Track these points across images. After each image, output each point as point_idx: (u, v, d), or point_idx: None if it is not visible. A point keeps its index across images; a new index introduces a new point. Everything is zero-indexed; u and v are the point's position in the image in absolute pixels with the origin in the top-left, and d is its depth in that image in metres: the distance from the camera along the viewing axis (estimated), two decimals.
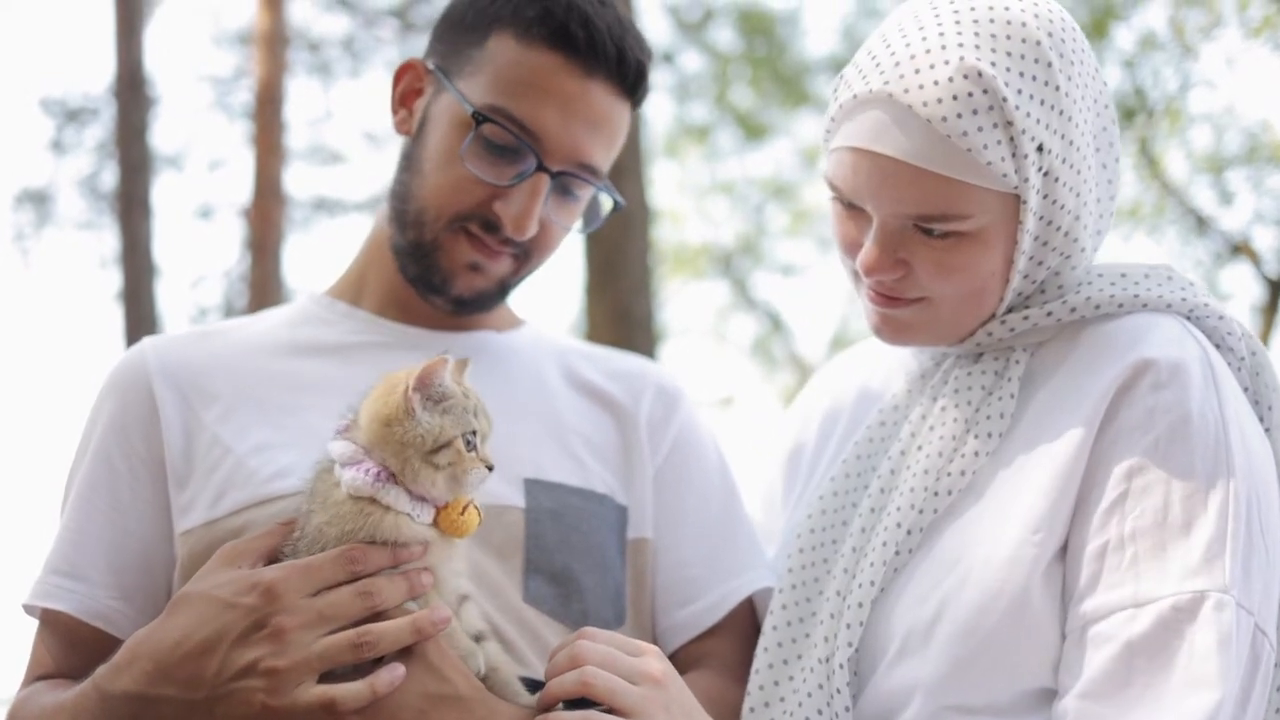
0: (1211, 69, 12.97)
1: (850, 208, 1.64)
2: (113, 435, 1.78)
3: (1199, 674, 1.42)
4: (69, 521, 1.77)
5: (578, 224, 1.93)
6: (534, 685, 1.50)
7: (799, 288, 27.77)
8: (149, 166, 12.02)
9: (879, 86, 1.56)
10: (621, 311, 7.97)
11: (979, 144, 1.52)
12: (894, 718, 1.57)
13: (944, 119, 1.52)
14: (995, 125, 1.52)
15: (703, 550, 1.87)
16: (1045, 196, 1.58)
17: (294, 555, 1.49)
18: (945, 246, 1.59)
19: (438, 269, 1.84)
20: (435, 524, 1.49)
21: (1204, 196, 13.09)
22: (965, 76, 1.52)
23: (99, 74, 18.80)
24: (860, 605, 1.61)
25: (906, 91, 1.54)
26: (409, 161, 1.87)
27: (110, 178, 13.62)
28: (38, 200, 14.45)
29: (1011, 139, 1.53)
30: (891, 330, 1.69)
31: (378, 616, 1.44)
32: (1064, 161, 1.58)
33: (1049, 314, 1.65)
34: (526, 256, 1.86)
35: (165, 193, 17.71)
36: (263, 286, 10.84)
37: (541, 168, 1.78)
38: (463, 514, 1.49)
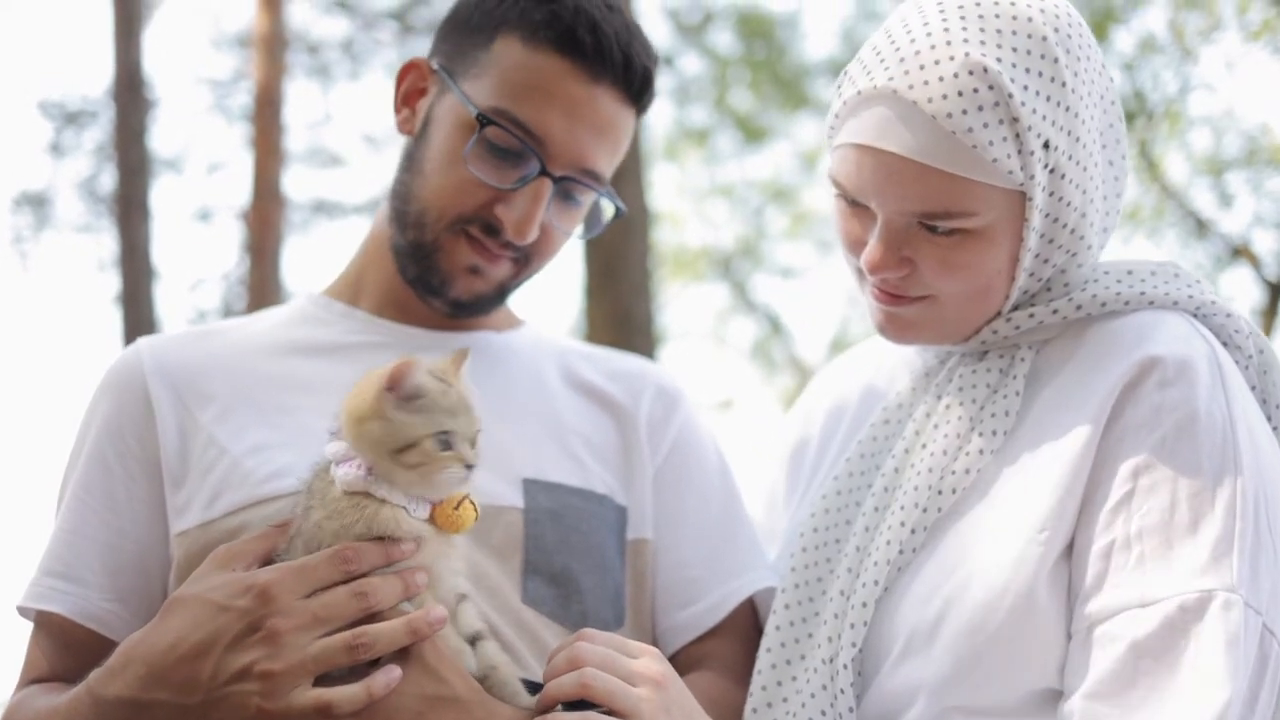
0: (1211, 72, 13.04)
1: (854, 205, 1.63)
2: (108, 436, 1.77)
3: (1206, 674, 1.40)
4: (63, 523, 1.76)
5: (578, 229, 1.93)
6: (534, 687, 1.49)
7: (799, 290, 27.77)
8: (148, 169, 12.02)
9: (883, 83, 1.55)
10: (621, 314, 7.97)
11: (984, 140, 1.51)
12: (898, 718, 1.56)
13: (949, 115, 1.50)
14: (1001, 121, 1.51)
15: (703, 551, 1.86)
16: (1051, 194, 1.57)
17: (290, 553, 1.48)
18: (950, 244, 1.57)
19: (437, 271, 1.83)
20: (431, 519, 1.48)
21: (1204, 199, 13.11)
22: (970, 72, 1.51)
23: (98, 76, 18.88)
24: (864, 605, 1.60)
25: (911, 88, 1.52)
26: (411, 162, 1.86)
27: (109, 180, 13.61)
28: (36, 203, 14.44)
29: (1017, 135, 1.52)
30: (896, 329, 1.67)
31: (373, 617, 1.42)
32: (1070, 158, 1.56)
33: (1055, 312, 1.63)
34: (526, 261, 1.86)
35: (164, 195, 17.72)
36: (262, 289, 10.83)
37: (545, 172, 1.77)
38: (457, 509, 1.47)
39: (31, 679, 1.70)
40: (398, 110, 1.91)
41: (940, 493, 1.60)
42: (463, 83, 1.80)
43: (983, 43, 1.53)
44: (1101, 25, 11.70)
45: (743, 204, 18.57)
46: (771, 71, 16.60)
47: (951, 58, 1.52)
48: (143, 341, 1.86)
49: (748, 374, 20.19)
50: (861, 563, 1.64)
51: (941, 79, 1.51)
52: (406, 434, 1.44)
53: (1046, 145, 1.54)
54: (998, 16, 1.55)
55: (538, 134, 1.76)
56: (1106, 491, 1.52)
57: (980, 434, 1.61)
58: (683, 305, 19.54)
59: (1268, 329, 12.04)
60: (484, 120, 1.76)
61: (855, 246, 1.65)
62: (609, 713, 1.41)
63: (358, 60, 14.74)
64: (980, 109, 1.50)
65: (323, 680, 1.39)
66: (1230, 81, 14.84)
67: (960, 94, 1.51)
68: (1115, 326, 1.61)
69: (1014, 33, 1.54)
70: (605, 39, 1.77)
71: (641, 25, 1.87)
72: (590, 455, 1.86)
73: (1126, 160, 1.69)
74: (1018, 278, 1.61)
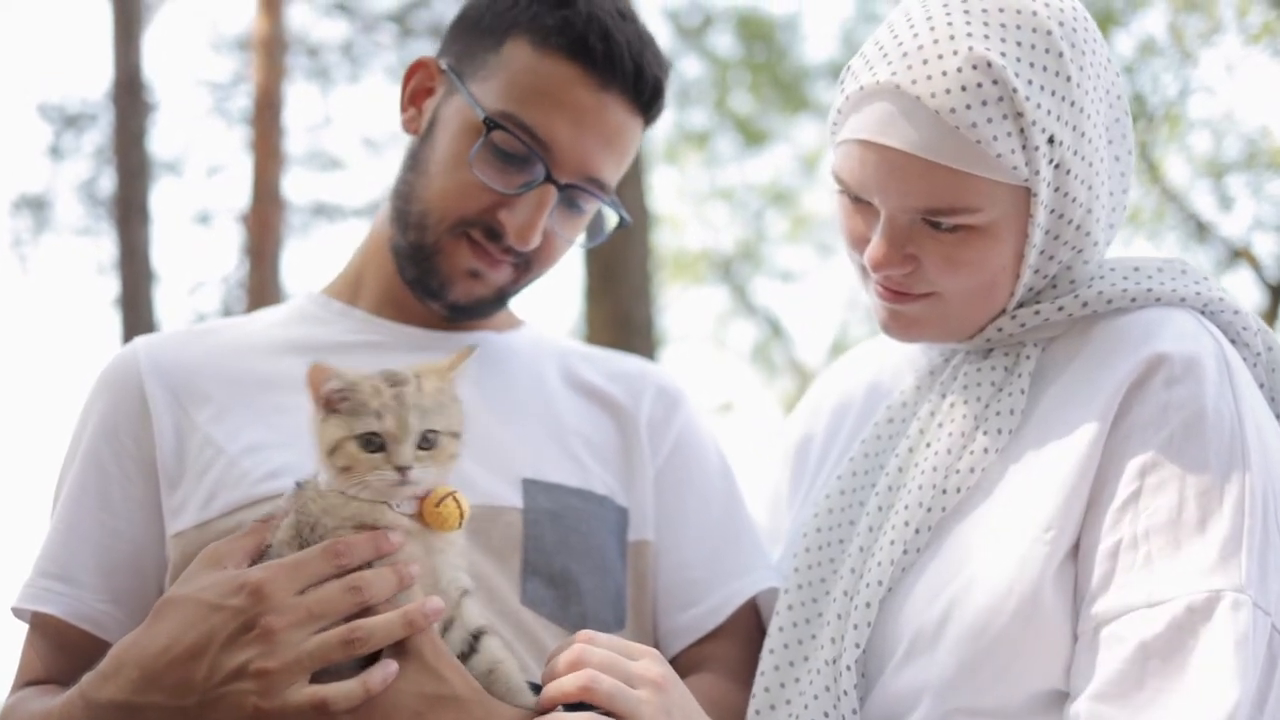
0: (1211, 75, 13.02)
1: (857, 202, 1.62)
2: (103, 436, 1.76)
3: (1215, 676, 1.39)
4: (58, 523, 1.75)
5: (580, 237, 1.92)
6: (534, 689, 1.47)
7: (799, 294, 27.81)
8: (147, 172, 12.03)
9: (886, 78, 1.53)
10: (621, 317, 7.97)
11: (988, 135, 1.49)
12: None
13: (953, 110, 1.49)
14: (1005, 116, 1.50)
15: (704, 552, 1.85)
16: (1056, 189, 1.56)
17: (292, 544, 1.47)
18: (954, 241, 1.56)
19: (436, 273, 1.82)
20: (418, 517, 1.47)
21: (1204, 202, 13.11)
22: (974, 67, 1.49)
23: (97, 79, 18.89)
24: (868, 605, 1.58)
25: (914, 83, 1.51)
26: (415, 162, 1.84)
27: (108, 183, 13.61)
28: (35, 206, 14.44)
29: (1022, 130, 1.51)
30: (900, 326, 1.66)
31: (368, 612, 1.41)
32: (1075, 153, 1.55)
33: (1060, 309, 1.62)
34: (527, 267, 1.85)
35: (163, 198, 17.72)
36: (261, 292, 10.82)
37: (549, 179, 1.76)
38: (438, 506, 1.46)
39: (26, 681, 1.69)
40: (404, 109, 1.90)
41: (944, 492, 1.59)
42: (471, 84, 1.79)
43: (986, 37, 1.51)
44: (1101, 28, 11.52)
45: (743, 207, 18.58)
46: (772, 74, 16.60)
47: (955, 52, 1.51)
48: (139, 340, 1.85)
49: (748, 377, 20.20)
50: (865, 563, 1.62)
51: (945, 74, 1.50)
52: (327, 437, 1.44)
53: (1051, 140, 1.53)
54: (1002, 10, 1.53)
55: (544, 140, 1.75)
56: (1113, 490, 1.50)
57: (985, 432, 1.60)
58: (683, 308, 19.58)
59: None
60: (491, 124, 1.75)
61: (858, 243, 1.64)
62: (609, 715, 1.39)
63: (357, 63, 14.73)
64: (984, 104, 1.49)
65: (321, 677, 1.38)
66: (1230, 84, 14.85)
67: (964, 89, 1.49)
68: (1122, 324, 1.59)
69: (1018, 27, 1.53)
70: (616, 47, 1.76)
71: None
72: (590, 456, 1.85)
73: (1133, 156, 1.68)
74: (1023, 274, 1.59)
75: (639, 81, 1.79)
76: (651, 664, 1.45)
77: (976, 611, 1.50)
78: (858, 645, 1.58)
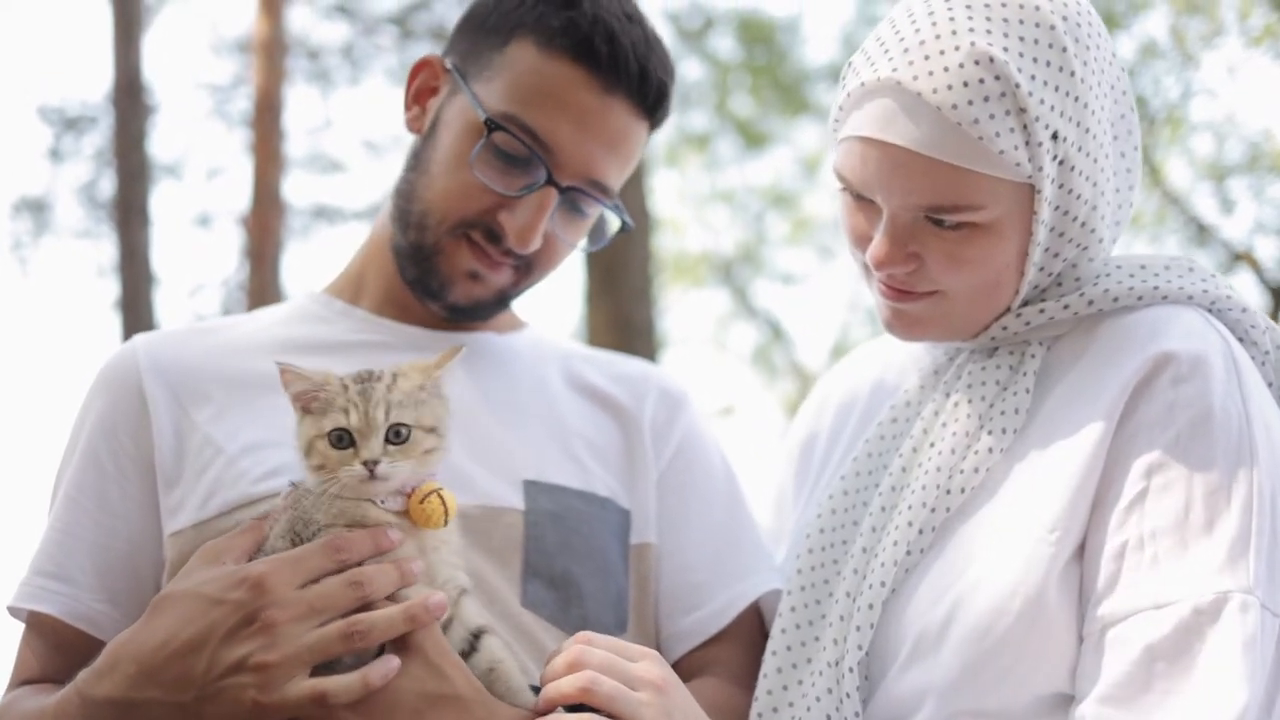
0: (1213, 77, 13.01)
1: (859, 199, 1.60)
2: (101, 434, 1.75)
3: (1222, 678, 1.37)
4: (55, 522, 1.73)
5: (582, 242, 1.90)
6: (534, 690, 1.46)
7: (799, 296, 27.81)
8: (147, 175, 12.04)
9: (887, 74, 1.52)
10: (622, 319, 7.98)
11: (991, 132, 1.48)
12: None
13: (954, 106, 1.48)
14: (1008, 112, 1.48)
15: (707, 555, 1.83)
16: (1060, 186, 1.54)
17: (285, 539, 1.47)
18: (957, 238, 1.55)
19: (436, 274, 1.81)
20: (407, 513, 1.47)
21: (1205, 205, 13.11)
22: (976, 62, 1.48)
23: (97, 82, 18.90)
24: (870, 607, 1.57)
25: (916, 79, 1.50)
26: (417, 161, 1.84)
27: (108, 186, 13.62)
28: (35, 209, 14.44)
29: (1025, 126, 1.49)
30: (903, 325, 1.64)
31: (369, 608, 1.40)
32: (1080, 149, 1.53)
33: (1065, 307, 1.61)
34: (528, 270, 1.83)
35: (163, 201, 17.77)
36: (261, 295, 10.82)
37: (551, 181, 1.75)
38: (422, 503, 1.46)
39: (22, 680, 1.68)
40: (408, 108, 1.89)
41: (949, 492, 1.57)
42: (474, 84, 1.78)
43: (989, 31, 1.50)
44: None
45: (743, 209, 18.60)
46: (772, 77, 16.61)
47: (957, 47, 1.49)
48: (138, 339, 1.84)
49: (748, 380, 20.21)
50: (868, 564, 1.61)
51: (946, 69, 1.49)
52: (301, 437, 1.47)
53: (1055, 136, 1.51)
54: (1004, 5, 1.52)
55: (546, 142, 1.74)
56: (1119, 491, 1.49)
57: (990, 432, 1.58)
58: (683, 311, 19.59)
59: None
60: (492, 125, 1.73)
61: (861, 241, 1.62)
62: (609, 717, 1.38)
63: (358, 65, 14.74)
64: (986, 99, 1.48)
65: (321, 674, 1.37)
66: (1232, 87, 14.85)
67: (966, 84, 1.48)
68: (1128, 322, 1.58)
69: (1021, 21, 1.51)
70: (622, 50, 1.75)
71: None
72: (593, 458, 1.83)
73: (1139, 152, 1.66)
74: (1027, 272, 1.58)
75: (644, 84, 1.77)
76: (652, 665, 1.44)
77: (980, 613, 1.48)
78: (860, 647, 1.56)
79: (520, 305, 1.97)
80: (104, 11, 12.03)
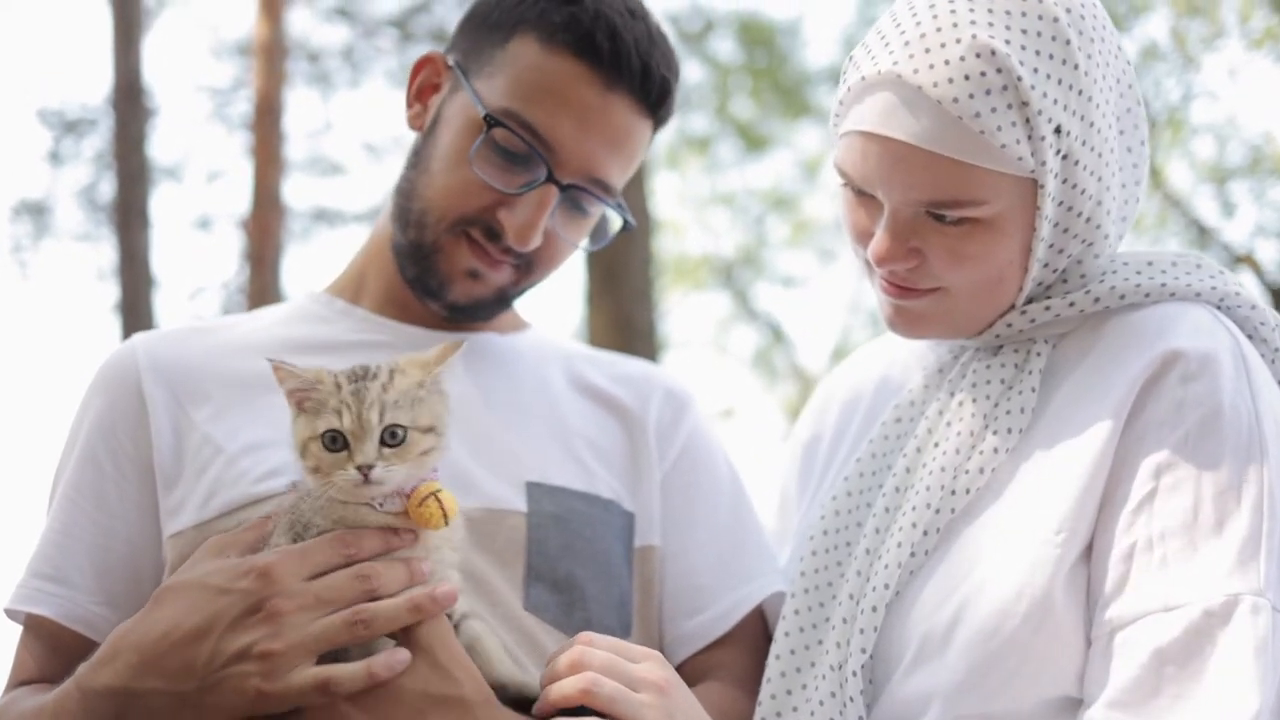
0: (1214, 80, 13.02)
1: (861, 195, 1.59)
2: (99, 434, 1.74)
3: (1233, 682, 1.35)
4: (53, 523, 1.72)
5: (584, 241, 1.89)
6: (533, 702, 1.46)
7: (800, 299, 27.83)
8: (147, 177, 12.04)
9: (888, 67, 1.50)
10: (623, 321, 7.98)
11: (992, 126, 1.46)
12: None
13: (955, 100, 1.46)
14: (1010, 106, 1.47)
15: (712, 558, 1.82)
16: (1064, 180, 1.52)
17: (274, 536, 1.47)
18: (959, 234, 1.53)
19: (435, 272, 1.79)
20: (406, 515, 1.45)
21: (1206, 208, 13.13)
22: (977, 55, 1.46)
23: (97, 85, 18.87)
24: (874, 609, 1.55)
25: (916, 72, 1.48)
26: (417, 158, 1.82)
27: (108, 189, 13.61)
28: (35, 212, 14.44)
29: (1027, 120, 1.47)
30: (905, 322, 1.63)
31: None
32: (1084, 144, 1.52)
33: (1071, 304, 1.59)
34: (529, 269, 1.82)
35: (163, 204, 17.74)
36: (261, 298, 10.82)
37: (551, 179, 1.73)
38: (420, 506, 1.44)
39: (19, 681, 1.67)
40: (409, 105, 1.88)
41: (953, 493, 1.55)
42: (475, 81, 1.77)
43: (991, 24, 1.48)
44: None
45: (744, 212, 18.61)
46: (773, 79, 16.62)
47: (958, 40, 1.47)
48: (137, 338, 1.82)
49: (749, 383, 20.20)
50: (872, 566, 1.59)
51: (947, 62, 1.47)
52: (296, 437, 1.44)
53: (1058, 130, 1.49)
54: None
55: (547, 139, 1.72)
56: (1127, 491, 1.47)
57: (995, 432, 1.56)
58: (684, 314, 19.59)
59: None
60: (492, 121, 1.72)
61: (862, 238, 1.60)
62: (610, 719, 1.37)
63: (358, 68, 14.75)
64: (988, 93, 1.46)
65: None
66: (1233, 89, 14.87)
67: (967, 77, 1.46)
68: (1135, 319, 1.56)
69: (1024, 14, 1.49)
70: (624, 46, 1.73)
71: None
72: (596, 460, 1.82)
73: (1146, 147, 1.64)
74: (1031, 269, 1.56)
75: (646, 81, 1.76)
76: (654, 667, 1.43)
77: (986, 615, 1.46)
78: (864, 650, 1.54)
79: (521, 306, 1.95)
80: (104, 14, 12.03)
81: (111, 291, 14.41)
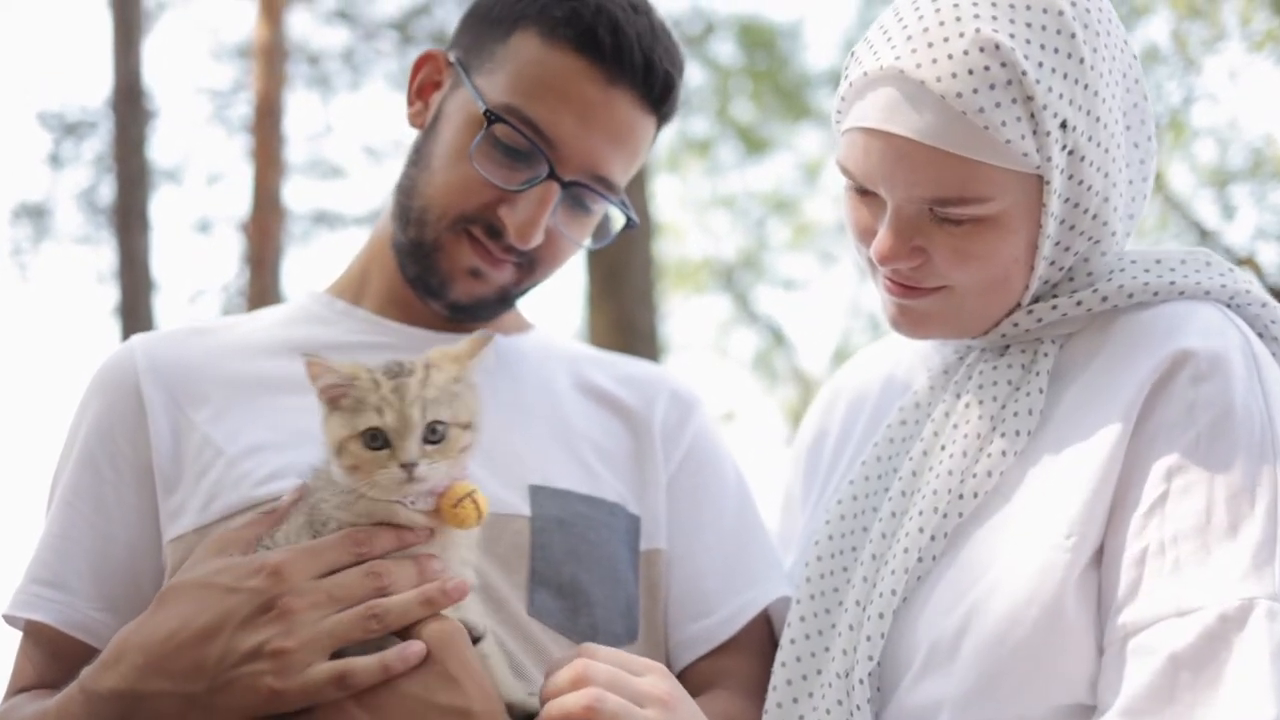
0: (1214, 83, 12.99)
1: (863, 193, 1.57)
2: (98, 437, 1.72)
3: (1250, 688, 1.33)
4: (51, 527, 1.70)
5: (587, 239, 1.87)
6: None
7: (801, 302, 27.85)
8: (147, 180, 12.03)
9: (890, 62, 1.48)
10: (624, 324, 7.98)
11: (997, 121, 1.44)
12: None
13: (959, 95, 1.44)
14: (1014, 101, 1.45)
15: (718, 561, 1.79)
16: (1070, 177, 1.51)
17: (291, 524, 1.47)
18: (964, 232, 1.51)
19: (436, 271, 1.77)
20: (437, 514, 1.44)
21: (1207, 211, 13.10)
22: (981, 49, 1.44)
23: (97, 87, 18.87)
24: (881, 616, 1.53)
25: (919, 66, 1.46)
26: (418, 156, 1.80)
27: (108, 191, 13.61)
28: (35, 214, 14.43)
29: (1032, 115, 1.45)
30: (909, 322, 1.61)
31: None
32: (1090, 139, 1.50)
33: (1079, 303, 1.57)
34: (531, 267, 1.80)
35: (163, 207, 17.75)
36: (261, 300, 10.82)
37: (553, 175, 1.71)
38: (456, 506, 1.43)
39: (19, 688, 1.65)
40: (410, 103, 1.86)
41: (961, 497, 1.53)
42: (476, 77, 1.75)
43: (994, 18, 1.46)
44: None
45: (744, 215, 18.61)
46: (773, 82, 16.63)
47: (961, 34, 1.46)
48: (136, 339, 1.81)
49: (750, 386, 20.19)
50: (878, 572, 1.57)
51: (951, 57, 1.45)
52: (331, 435, 1.42)
53: (1064, 125, 1.47)
54: None
55: (548, 135, 1.70)
56: (1138, 494, 1.45)
57: (1002, 434, 1.54)
58: (685, 317, 19.58)
59: None
60: (492, 117, 1.70)
61: (865, 236, 1.59)
62: None
63: (358, 71, 14.74)
64: (992, 88, 1.44)
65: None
66: (1234, 92, 14.85)
67: (970, 72, 1.44)
68: (1144, 318, 1.54)
69: (1028, 7, 1.48)
70: (626, 40, 1.71)
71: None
72: (601, 462, 1.80)
73: (1153, 142, 1.62)
74: (1037, 267, 1.54)
75: (649, 76, 1.74)
76: (658, 680, 1.41)
77: (996, 622, 1.44)
78: (871, 658, 1.52)
79: (522, 308, 1.94)
80: (104, 16, 12.01)
81: (111, 294, 14.41)
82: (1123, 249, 1.63)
